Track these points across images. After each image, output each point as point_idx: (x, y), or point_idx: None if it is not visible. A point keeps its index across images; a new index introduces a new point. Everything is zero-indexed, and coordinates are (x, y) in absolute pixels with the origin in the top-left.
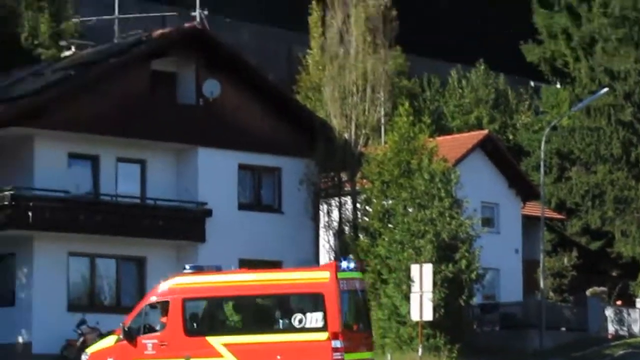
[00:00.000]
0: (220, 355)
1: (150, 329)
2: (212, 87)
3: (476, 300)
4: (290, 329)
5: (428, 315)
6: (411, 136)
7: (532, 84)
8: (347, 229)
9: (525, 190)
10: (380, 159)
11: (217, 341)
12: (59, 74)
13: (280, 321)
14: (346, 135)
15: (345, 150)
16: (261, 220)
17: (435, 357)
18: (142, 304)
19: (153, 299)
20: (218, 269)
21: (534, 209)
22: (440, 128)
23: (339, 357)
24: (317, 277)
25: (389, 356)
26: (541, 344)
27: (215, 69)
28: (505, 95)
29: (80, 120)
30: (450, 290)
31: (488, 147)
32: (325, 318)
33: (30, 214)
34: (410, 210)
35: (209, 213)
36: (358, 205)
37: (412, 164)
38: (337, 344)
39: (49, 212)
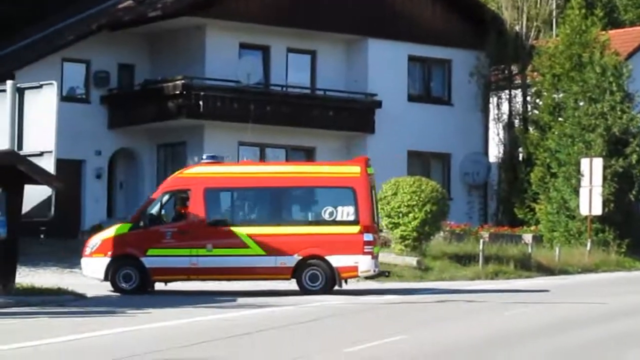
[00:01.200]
0: (245, 246)
1: (174, 218)
2: None
3: None
4: (320, 221)
5: (597, 210)
6: (583, 29)
7: None
8: (516, 121)
9: None
10: (551, 52)
11: (242, 231)
12: None
13: (310, 214)
14: (517, 28)
15: (516, 42)
16: (430, 112)
17: (603, 252)
18: (160, 192)
19: (172, 187)
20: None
21: None
22: (613, 21)
23: (370, 250)
24: (348, 172)
25: (557, 250)
26: None
27: None
28: None
29: (251, 10)
30: (620, 185)
31: None
32: (356, 212)
33: (201, 103)
34: (581, 103)
35: (378, 104)
36: (528, 98)
37: (583, 57)
38: (369, 237)
39: (220, 102)
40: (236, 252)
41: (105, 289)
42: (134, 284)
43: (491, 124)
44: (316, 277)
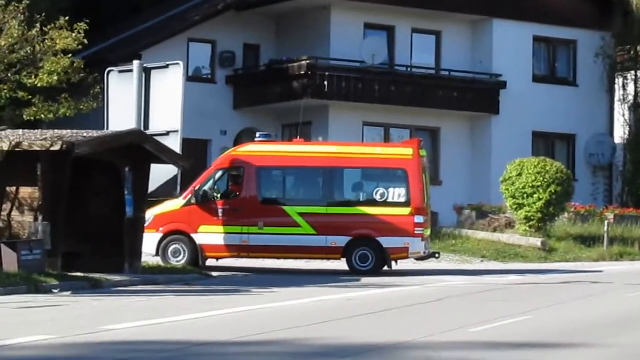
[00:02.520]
0: (297, 225)
1: (222, 195)
2: None
3: None
4: (371, 202)
5: None
6: None
7: None
8: None
9: None
10: None
11: (294, 211)
12: None
13: (361, 194)
14: None
15: None
16: (555, 93)
17: None
18: (213, 169)
19: (225, 165)
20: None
21: None
22: None
23: (421, 232)
24: (400, 153)
25: None
26: None
27: None
28: None
29: None
30: None
31: None
32: (408, 193)
33: (326, 83)
34: None
35: (503, 85)
36: None
37: None
38: (420, 219)
39: (345, 82)
40: (287, 231)
41: (230, 268)
42: (182, 259)
43: (616, 105)
44: (366, 257)
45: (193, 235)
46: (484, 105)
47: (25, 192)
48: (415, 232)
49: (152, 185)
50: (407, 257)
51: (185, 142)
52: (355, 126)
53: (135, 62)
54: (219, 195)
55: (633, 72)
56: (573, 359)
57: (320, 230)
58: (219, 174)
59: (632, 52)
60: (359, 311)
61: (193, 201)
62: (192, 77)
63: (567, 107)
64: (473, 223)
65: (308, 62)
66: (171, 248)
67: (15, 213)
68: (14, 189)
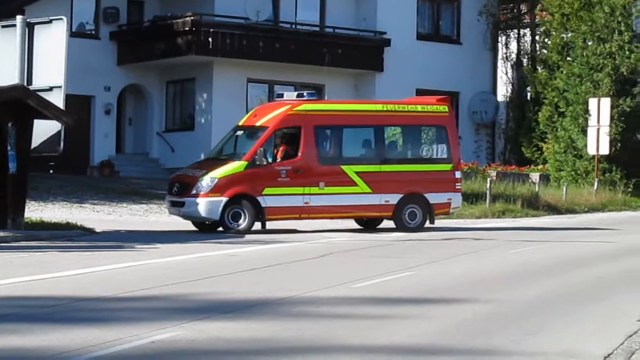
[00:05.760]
0: (354, 184)
1: (284, 156)
2: None
3: None
4: (418, 159)
5: (604, 149)
6: None
7: None
8: (525, 61)
9: None
10: None
11: (351, 170)
12: None
13: (409, 152)
14: None
15: None
16: (439, 50)
17: (610, 191)
18: (272, 129)
19: (283, 124)
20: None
21: None
22: None
23: (460, 187)
24: (439, 110)
25: (564, 189)
26: None
27: None
28: None
29: None
30: (627, 125)
31: None
32: (448, 150)
33: (210, 40)
34: (589, 43)
35: (387, 42)
36: (537, 38)
37: None
38: (459, 174)
39: (229, 39)
40: (346, 190)
41: (114, 224)
42: (243, 223)
43: (499, 63)
44: (415, 214)
45: (259, 198)
46: (368, 63)
47: None
48: (456, 187)
49: (35, 141)
50: (449, 213)
51: (69, 98)
52: (240, 83)
53: (18, 17)
54: (280, 157)
55: (515, 31)
56: (456, 313)
57: (375, 189)
58: (278, 134)
59: (514, 11)
60: (242, 267)
61: (257, 163)
62: (76, 33)
63: (450, 64)
64: None
65: (192, 18)
66: (232, 212)
67: None
68: None
